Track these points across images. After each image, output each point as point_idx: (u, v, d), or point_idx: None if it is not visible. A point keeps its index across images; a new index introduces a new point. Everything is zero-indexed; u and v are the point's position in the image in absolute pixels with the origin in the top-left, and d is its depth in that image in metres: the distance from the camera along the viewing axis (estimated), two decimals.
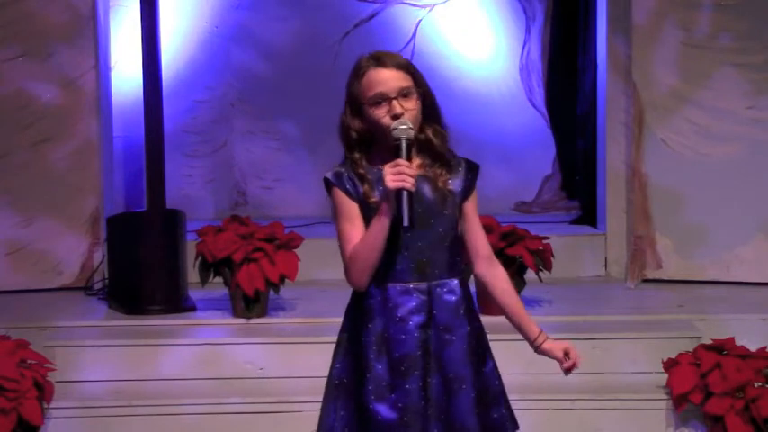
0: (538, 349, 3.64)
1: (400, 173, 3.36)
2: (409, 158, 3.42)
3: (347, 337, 3.59)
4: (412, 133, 3.44)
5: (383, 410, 3.48)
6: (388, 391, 3.49)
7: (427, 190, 3.51)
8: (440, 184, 3.52)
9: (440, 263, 3.53)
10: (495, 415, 3.60)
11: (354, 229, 3.48)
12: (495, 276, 3.65)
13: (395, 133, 3.43)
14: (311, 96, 7.67)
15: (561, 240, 6.69)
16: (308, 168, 7.77)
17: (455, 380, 3.52)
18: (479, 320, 3.63)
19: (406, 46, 7.80)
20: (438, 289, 3.53)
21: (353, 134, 3.50)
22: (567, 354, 3.61)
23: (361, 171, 3.50)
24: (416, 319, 3.51)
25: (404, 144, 3.41)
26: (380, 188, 3.44)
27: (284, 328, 5.95)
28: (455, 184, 3.56)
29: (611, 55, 6.92)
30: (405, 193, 3.36)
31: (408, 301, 3.51)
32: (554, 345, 3.63)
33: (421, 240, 3.50)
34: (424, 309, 3.52)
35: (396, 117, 3.44)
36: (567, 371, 3.62)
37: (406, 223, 3.36)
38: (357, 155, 3.51)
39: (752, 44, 6.65)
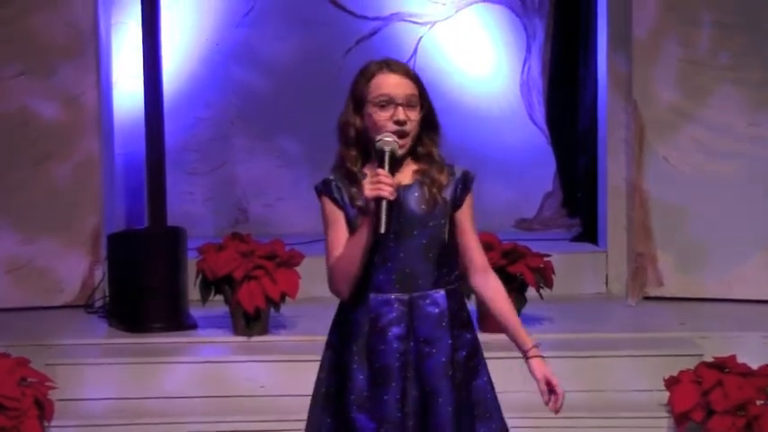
0: (527, 361, 3.60)
1: (378, 182, 3.39)
2: (392, 170, 3.44)
3: (333, 346, 3.62)
4: (396, 146, 3.47)
5: (362, 420, 3.51)
6: (367, 401, 3.51)
7: (415, 199, 3.53)
8: (434, 191, 3.52)
9: (423, 274, 3.53)
10: (483, 430, 3.58)
11: (338, 238, 3.53)
12: (489, 287, 3.63)
13: (378, 145, 3.47)
14: (312, 114, 7.66)
15: (562, 258, 6.67)
16: (309, 186, 7.62)
17: (432, 393, 3.51)
18: (473, 332, 3.62)
19: (407, 62, 7.79)
20: (420, 301, 3.53)
21: (352, 131, 3.54)
22: (548, 383, 3.55)
23: (354, 169, 3.53)
24: (396, 331, 3.52)
25: (387, 155, 3.44)
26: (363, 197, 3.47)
27: (285, 345, 5.94)
28: (447, 192, 3.57)
29: (612, 72, 6.92)
30: (384, 201, 3.38)
31: (389, 312, 3.52)
32: (538, 365, 3.58)
33: (403, 251, 3.51)
34: (405, 320, 3.52)
35: (398, 123, 3.48)
36: (555, 411, 3.56)
37: (382, 230, 3.37)
38: (354, 152, 3.55)
39: (751, 61, 6.65)
